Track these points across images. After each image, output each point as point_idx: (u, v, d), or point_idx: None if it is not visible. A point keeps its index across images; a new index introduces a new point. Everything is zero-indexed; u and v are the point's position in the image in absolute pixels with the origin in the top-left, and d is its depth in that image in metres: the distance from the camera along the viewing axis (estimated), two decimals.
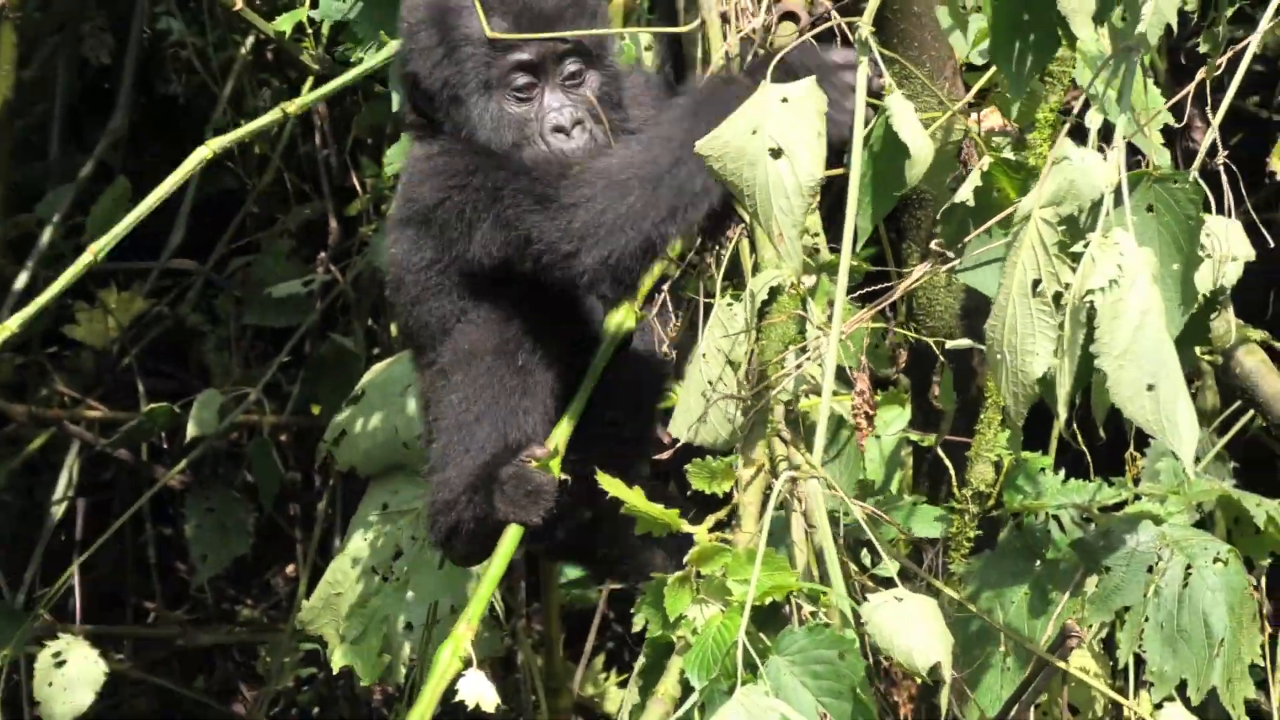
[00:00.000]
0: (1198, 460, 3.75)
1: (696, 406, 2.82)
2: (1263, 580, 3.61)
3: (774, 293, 2.68)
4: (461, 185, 2.93)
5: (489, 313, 2.99)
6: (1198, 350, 3.45)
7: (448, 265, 3.01)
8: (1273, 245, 2.88)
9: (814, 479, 2.45)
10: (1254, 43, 3.20)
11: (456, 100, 2.99)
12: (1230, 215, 2.70)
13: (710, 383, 2.80)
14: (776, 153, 2.37)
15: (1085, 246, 2.35)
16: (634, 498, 2.61)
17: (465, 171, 2.94)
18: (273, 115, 3.78)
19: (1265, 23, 3.26)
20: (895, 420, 3.26)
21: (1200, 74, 2.83)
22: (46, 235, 4.84)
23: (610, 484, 2.63)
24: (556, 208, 2.80)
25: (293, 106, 3.73)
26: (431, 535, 3.04)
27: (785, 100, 2.39)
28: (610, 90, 3.07)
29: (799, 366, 2.64)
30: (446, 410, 2.99)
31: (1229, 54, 2.90)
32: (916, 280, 2.91)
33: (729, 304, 2.77)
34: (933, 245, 2.88)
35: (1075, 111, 2.57)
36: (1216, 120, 3.23)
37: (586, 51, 3.02)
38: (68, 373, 5.03)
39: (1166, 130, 4.05)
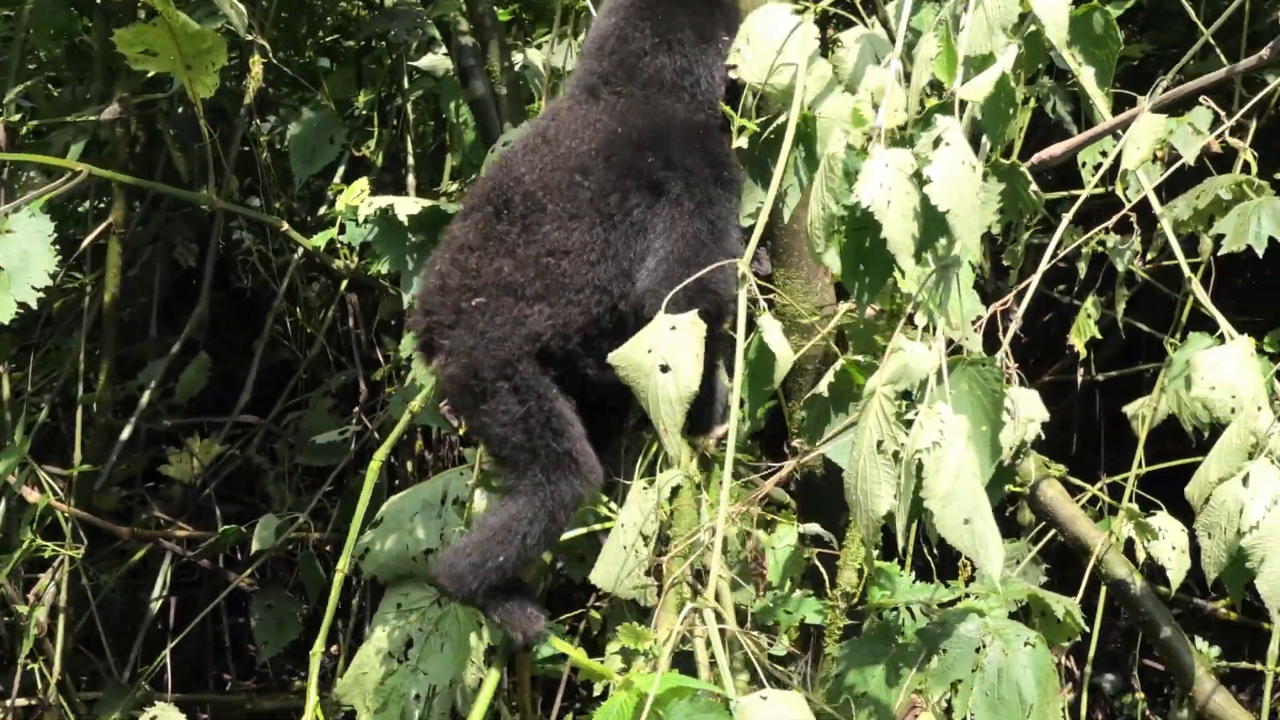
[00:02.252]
0: (1017, 563, 3.78)
1: (615, 565, 2.81)
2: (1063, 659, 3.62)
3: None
4: None
5: None
6: (1016, 480, 3.48)
7: None
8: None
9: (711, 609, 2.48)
10: (1048, 253, 3.25)
11: None
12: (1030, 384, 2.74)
13: (625, 548, 2.81)
14: (665, 368, 2.39)
15: (915, 415, 2.38)
16: (575, 653, 2.63)
17: None
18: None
19: (1059, 233, 3.30)
20: (787, 535, 3.24)
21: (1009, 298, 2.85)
22: (145, 398, 4.85)
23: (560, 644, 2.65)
24: None
25: None
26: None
27: (674, 328, 2.41)
28: None
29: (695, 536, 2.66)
30: None
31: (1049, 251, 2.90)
32: (794, 466, 2.92)
33: (644, 487, 2.77)
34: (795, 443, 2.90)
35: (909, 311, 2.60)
36: (1021, 308, 3.27)
37: None
38: (162, 501, 5.02)
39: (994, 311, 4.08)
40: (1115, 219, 3.34)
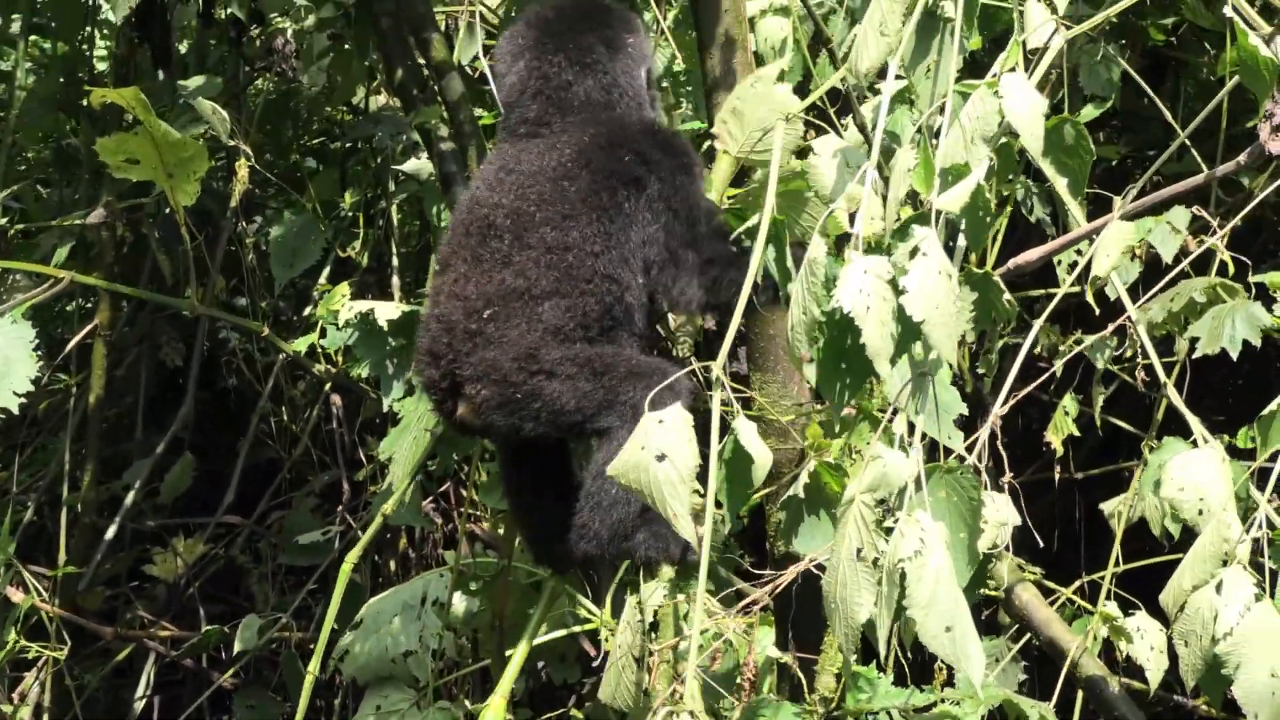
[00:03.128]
0: (997, 661, 3.77)
1: (615, 679, 2.80)
2: None
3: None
4: None
5: None
6: (991, 584, 3.48)
7: None
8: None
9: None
10: (1022, 353, 3.25)
11: None
12: (1007, 488, 2.74)
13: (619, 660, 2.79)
14: (661, 457, 2.39)
15: (894, 523, 2.38)
16: None
17: None
18: None
19: (1033, 332, 3.30)
20: (765, 638, 3.23)
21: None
22: (130, 498, 4.84)
23: None
24: None
25: None
26: None
27: (660, 421, 2.41)
28: None
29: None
30: None
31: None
32: (781, 584, 2.92)
33: (635, 605, 2.76)
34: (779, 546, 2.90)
35: (888, 417, 2.59)
36: (996, 408, 3.27)
37: None
38: (146, 600, 5.00)
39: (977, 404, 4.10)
40: (1091, 322, 3.36)
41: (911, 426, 2.47)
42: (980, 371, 3.95)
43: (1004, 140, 2.53)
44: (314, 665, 3.09)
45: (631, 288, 2.75)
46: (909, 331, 2.37)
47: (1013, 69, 2.54)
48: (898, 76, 2.63)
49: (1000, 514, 2.59)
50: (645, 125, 2.87)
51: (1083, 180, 2.73)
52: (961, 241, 2.57)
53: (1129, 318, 3.34)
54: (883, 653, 2.45)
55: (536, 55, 2.89)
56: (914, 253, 2.38)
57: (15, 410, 2.99)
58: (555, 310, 2.69)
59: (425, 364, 2.77)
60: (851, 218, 2.54)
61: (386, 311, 3.25)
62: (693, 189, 2.81)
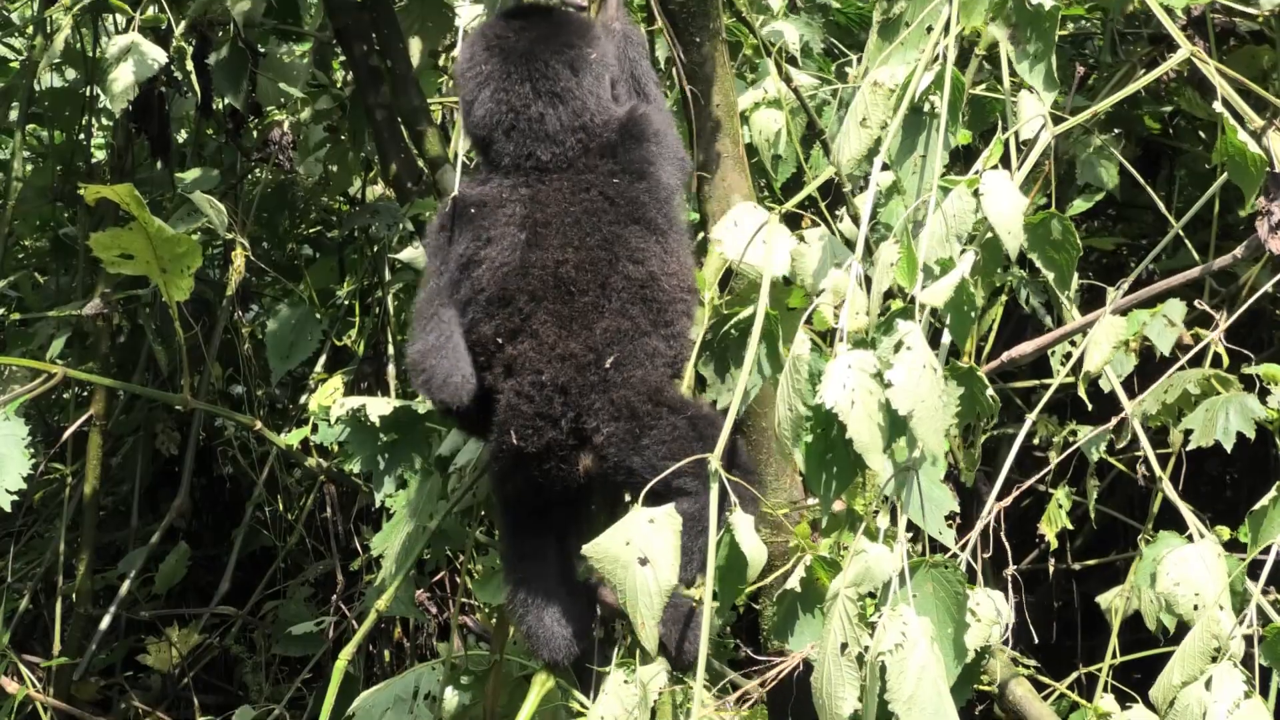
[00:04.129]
0: None
1: None
2: None
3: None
4: None
5: None
6: (984, 679, 3.47)
7: None
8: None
9: None
10: (1016, 444, 3.26)
11: None
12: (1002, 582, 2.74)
13: None
14: (643, 561, 2.40)
15: (878, 617, 2.39)
16: None
17: None
18: None
19: (1027, 424, 3.31)
20: None
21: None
22: (125, 587, 4.84)
23: None
24: None
25: None
26: None
27: (651, 521, 2.42)
28: None
29: None
30: None
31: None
32: (772, 677, 2.92)
33: (625, 680, 2.75)
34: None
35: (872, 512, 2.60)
36: (990, 503, 3.28)
37: None
38: (140, 691, 5.00)
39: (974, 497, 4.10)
40: (1086, 412, 3.37)
41: (896, 520, 2.49)
42: (962, 467, 3.96)
43: (989, 235, 2.56)
44: None
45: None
46: (895, 426, 2.39)
47: (995, 166, 2.57)
48: (884, 168, 2.66)
49: (991, 611, 2.60)
50: (627, 127, 2.89)
51: (1070, 274, 2.75)
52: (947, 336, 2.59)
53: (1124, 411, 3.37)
54: None
55: (503, 85, 2.86)
56: (898, 347, 2.40)
57: (8, 508, 3.00)
58: (664, 341, 2.75)
59: (540, 428, 2.74)
60: (837, 311, 2.56)
61: (378, 408, 3.26)
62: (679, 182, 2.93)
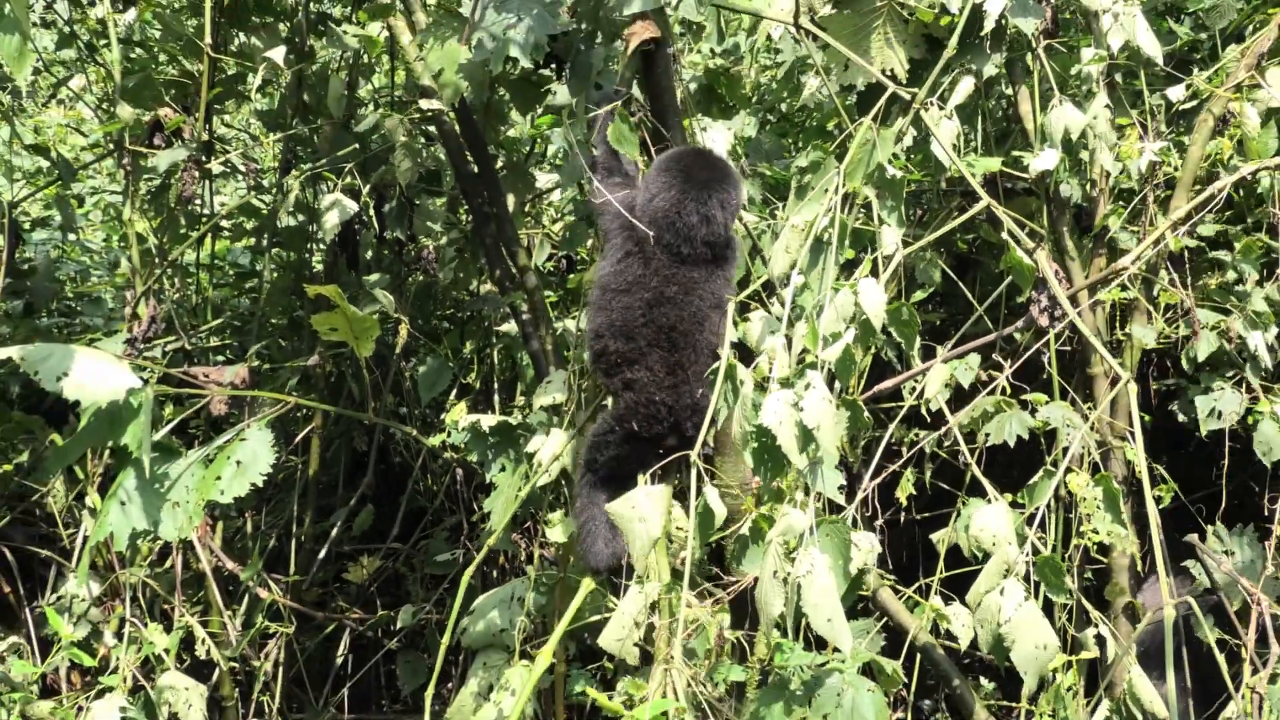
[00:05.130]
0: (868, 634, 3.72)
1: (619, 633, 2.76)
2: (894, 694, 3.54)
3: None
4: None
5: None
6: (865, 587, 3.45)
7: None
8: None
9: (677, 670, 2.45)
10: (881, 445, 3.23)
11: None
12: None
13: (624, 626, 2.75)
14: (642, 520, 2.39)
15: (797, 554, 2.38)
16: (594, 693, 2.59)
17: None
18: None
19: (889, 431, 3.27)
20: (724, 620, 3.18)
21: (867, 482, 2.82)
22: (334, 532, 4.83)
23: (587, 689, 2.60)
24: None
25: None
26: None
27: (647, 495, 2.41)
28: None
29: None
30: None
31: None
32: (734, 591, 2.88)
33: (638, 589, 2.73)
34: (733, 566, 2.85)
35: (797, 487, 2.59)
36: (866, 479, 3.26)
37: None
38: (344, 595, 4.97)
39: (857, 477, 4.09)
40: (925, 422, 3.35)
41: (809, 494, 2.47)
42: (851, 460, 3.94)
43: (864, 317, 2.55)
44: (446, 637, 3.07)
45: None
46: (806, 437, 2.38)
47: (867, 274, 2.56)
48: (800, 275, 2.65)
49: (867, 545, 2.59)
50: (730, 253, 2.83)
51: (913, 339, 2.74)
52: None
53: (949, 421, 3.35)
54: (791, 632, 2.43)
55: (680, 198, 2.73)
56: (808, 386, 2.39)
57: (259, 484, 2.99)
58: (699, 371, 2.70)
59: (654, 422, 2.72)
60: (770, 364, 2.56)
61: (487, 421, 3.26)
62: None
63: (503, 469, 3.34)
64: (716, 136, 3.51)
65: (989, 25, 3.11)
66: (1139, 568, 3.77)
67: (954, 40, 2.82)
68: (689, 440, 2.62)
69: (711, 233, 2.74)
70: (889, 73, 3.03)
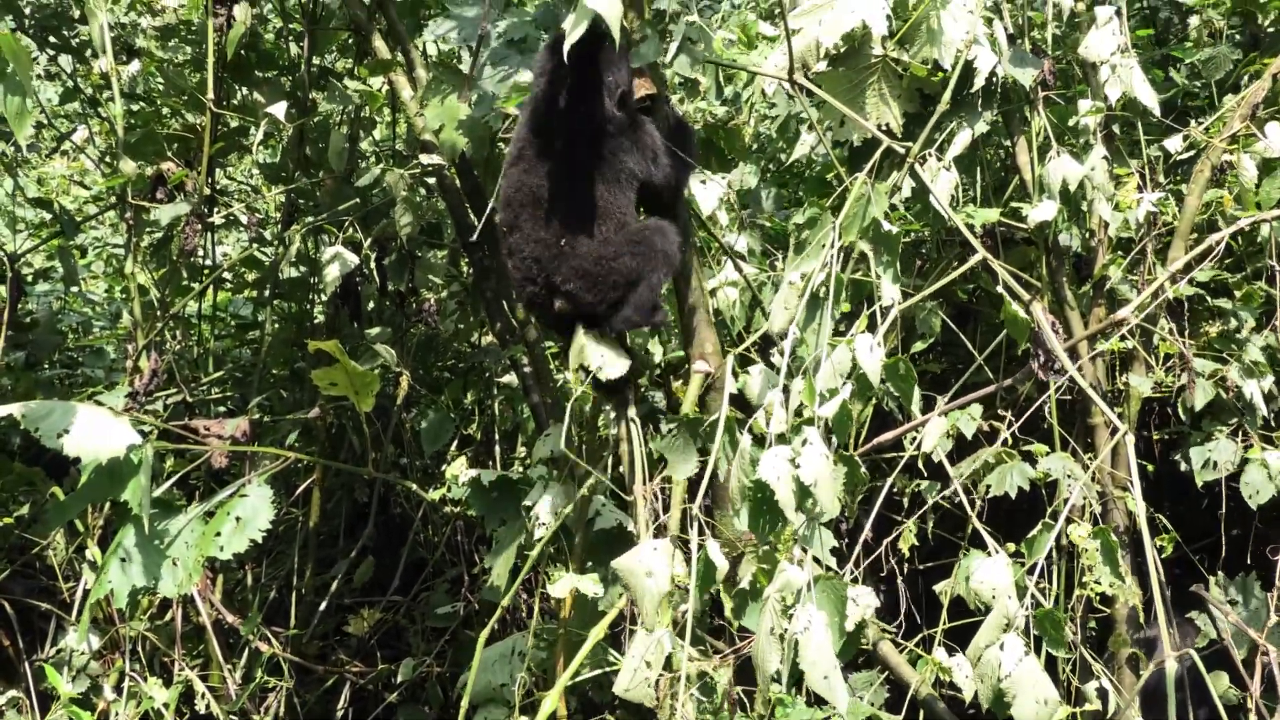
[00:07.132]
0: (871, 685, 3.72)
1: (631, 677, 2.76)
2: None
3: None
4: None
5: None
6: (864, 641, 3.44)
7: None
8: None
9: None
10: (881, 496, 3.24)
11: None
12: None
13: (634, 671, 2.75)
14: (649, 574, 2.40)
15: (794, 611, 2.39)
16: None
17: None
18: None
19: (889, 481, 3.29)
20: (725, 676, 3.19)
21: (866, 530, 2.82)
22: (335, 584, 4.84)
23: None
24: None
25: None
26: None
27: (655, 549, 2.43)
28: None
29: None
30: None
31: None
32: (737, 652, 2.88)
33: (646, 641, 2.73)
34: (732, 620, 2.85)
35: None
36: (865, 531, 3.27)
37: None
38: (344, 649, 4.96)
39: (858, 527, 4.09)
40: (925, 472, 3.35)
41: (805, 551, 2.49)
42: (849, 513, 3.95)
43: (860, 373, 2.57)
44: (465, 700, 3.07)
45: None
46: (803, 493, 2.40)
47: (863, 330, 2.58)
48: (798, 331, 2.68)
49: (864, 600, 2.60)
50: None
51: (911, 392, 2.76)
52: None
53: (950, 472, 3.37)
54: (790, 688, 2.44)
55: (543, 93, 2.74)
56: (805, 442, 2.41)
57: (259, 540, 3.01)
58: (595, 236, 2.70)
59: (528, 282, 2.74)
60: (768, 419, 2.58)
61: (487, 476, 3.28)
62: None
63: (501, 523, 3.35)
64: (709, 192, 3.56)
65: (979, 83, 3.14)
66: (1140, 618, 3.78)
67: (946, 96, 2.85)
68: (579, 302, 2.67)
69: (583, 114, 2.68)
70: (884, 127, 3.06)
